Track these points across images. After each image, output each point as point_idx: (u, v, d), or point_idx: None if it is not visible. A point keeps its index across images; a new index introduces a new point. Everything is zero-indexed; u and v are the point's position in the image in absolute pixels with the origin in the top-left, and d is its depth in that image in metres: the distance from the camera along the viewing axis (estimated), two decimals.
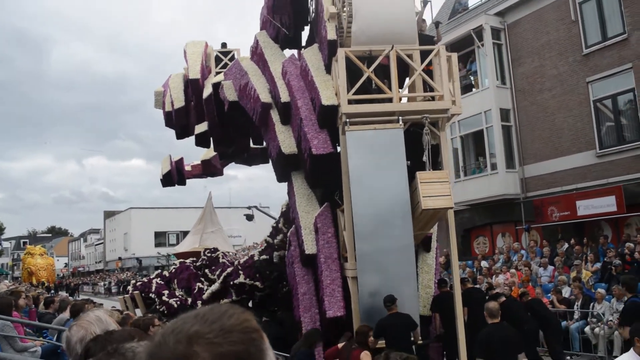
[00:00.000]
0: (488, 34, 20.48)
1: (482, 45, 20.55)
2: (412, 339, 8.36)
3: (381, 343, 7.89)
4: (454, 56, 8.95)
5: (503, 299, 10.12)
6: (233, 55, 13.99)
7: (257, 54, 11.37)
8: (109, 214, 76.71)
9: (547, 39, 19.51)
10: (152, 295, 14.79)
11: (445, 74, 8.53)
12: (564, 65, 19.02)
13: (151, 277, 16.43)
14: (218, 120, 12.20)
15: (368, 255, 8.35)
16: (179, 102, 13.83)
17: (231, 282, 12.39)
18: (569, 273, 14.91)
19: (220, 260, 14.97)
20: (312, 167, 9.14)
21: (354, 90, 8.34)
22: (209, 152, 15.24)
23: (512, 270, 16.19)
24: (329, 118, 8.92)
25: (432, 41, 9.74)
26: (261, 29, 12.07)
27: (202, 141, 14.03)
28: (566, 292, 13.70)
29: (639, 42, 17.08)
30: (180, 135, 14.62)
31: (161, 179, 15.95)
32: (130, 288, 16.13)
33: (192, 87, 13.61)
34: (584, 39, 18.47)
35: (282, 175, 10.49)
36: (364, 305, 8.40)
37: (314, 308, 9.43)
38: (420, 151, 8.60)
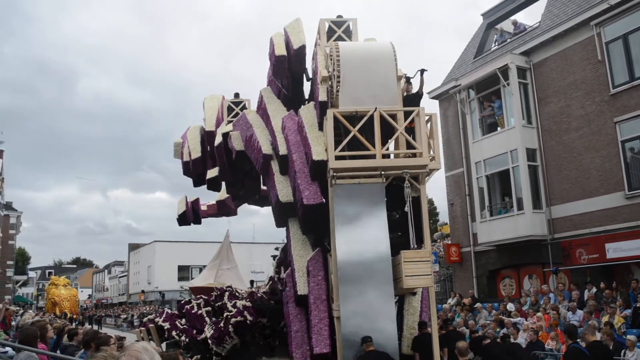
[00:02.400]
0: (514, 73, 21.90)
1: (508, 84, 22.00)
2: None
3: None
4: (434, 116, 10.71)
5: (488, 341, 11.72)
6: (244, 105, 16.23)
7: (261, 108, 13.54)
8: (133, 247, 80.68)
9: (574, 78, 20.78)
10: (180, 327, 15.98)
11: (424, 132, 10.26)
12: (590, 105, 20.19)
13: (168, 310, 18.24)
14: (228, 166, 14.35)
15: (350, 298, 10.02)
16: (196, 153, 16.27)
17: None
18: (599, 317, 15.42)
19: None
20: (304, 215, 11.00)
21: (340, 147, 10.12)
22: (223, 193, 17.36)
23: (539, 314, 16.91)
24: (319, 171, 10.74)
25: (419, 98, 11.49)
26: (268, 85, 14.25)
27: (213, 185, 16.22)
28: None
29: None
30: (196, 183, 17.06)
31: (177, 219, 18.17)
32: (136, 320, 17.56)
33: (207, 138, 16.04)
34: (611, 79, 19.65)
35: (280, 220, 12.36)
36: (346, 343, 10.07)
37: (305, 345, 11.15)
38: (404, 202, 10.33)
